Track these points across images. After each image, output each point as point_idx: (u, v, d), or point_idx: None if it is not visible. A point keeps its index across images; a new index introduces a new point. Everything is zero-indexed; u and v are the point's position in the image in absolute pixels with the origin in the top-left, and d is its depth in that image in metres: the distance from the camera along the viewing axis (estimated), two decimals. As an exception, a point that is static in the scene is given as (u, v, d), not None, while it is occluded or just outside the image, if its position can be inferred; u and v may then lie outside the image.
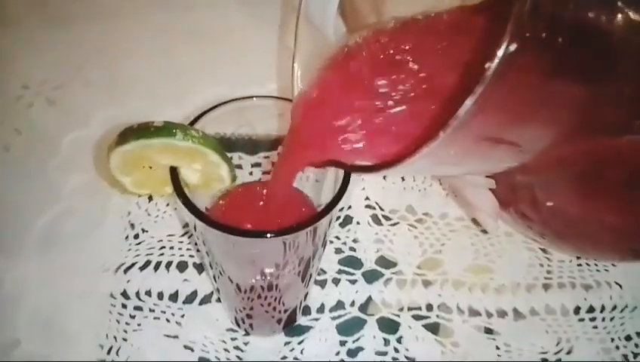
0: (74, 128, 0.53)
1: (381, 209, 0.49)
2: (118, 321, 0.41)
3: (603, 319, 0.44)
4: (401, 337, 0.42)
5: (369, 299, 0.44)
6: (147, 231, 0.46)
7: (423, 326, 0.43)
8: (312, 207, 0.38)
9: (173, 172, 0.29)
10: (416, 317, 0.43)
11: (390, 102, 0.28)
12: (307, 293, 0.42)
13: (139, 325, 0.41)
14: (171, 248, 0.46)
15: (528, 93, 0.21)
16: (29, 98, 0.55)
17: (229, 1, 0.67)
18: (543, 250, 0.48)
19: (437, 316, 0.44)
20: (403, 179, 0.52)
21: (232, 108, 0.33)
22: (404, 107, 0.28)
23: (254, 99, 0.33)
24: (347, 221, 0.48)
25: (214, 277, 0.40)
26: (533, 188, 0.34)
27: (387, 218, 0.49)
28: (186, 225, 0.47)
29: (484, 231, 0.47)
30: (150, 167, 0.29)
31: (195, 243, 0.46)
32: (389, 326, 0.43)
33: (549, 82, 0.22)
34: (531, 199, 0.35)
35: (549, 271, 0.46)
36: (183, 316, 0.42)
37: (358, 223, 0.48)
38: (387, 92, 0.28)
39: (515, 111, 0.22)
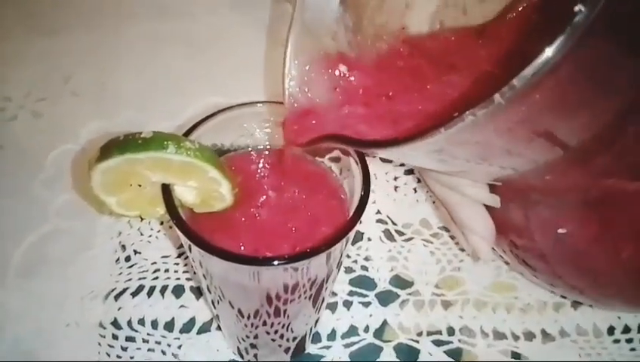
0: (60, 142, 0.49)
1: (394, 223, 0.46)
2: (108, 354, 0.37)
3: (641, 340, 0.40)
4: (420, 365, 0.38)
5: (384, 323, 0.40)
6: (140, 253, 0.42)
7: (445, 352, 0.39)
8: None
9: (166, 190, 0.25)
10: (437, 343, 0.39)
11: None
12: (318, 319, 0.38)
13: (131, 358, 0.37)
14: (166, 271, 0.42)
15: (587, 80, 0.18)
16: (11, 110, 0.51)
17: (219, 9, 0.63)
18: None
19: (459, 340, 0.40)
20: (415, 190, 0.48)
21: (230, 116, 0.29)
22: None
23: (258, 105, 0.29)
24: (357, 237, 0.45)
25: (213, 303, 0.36)
26: (548, 210, 0.29)
27: (400, 233, 0.45)
28: (181, 245, 0.43)
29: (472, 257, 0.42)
30: (139, 185, 0.25)
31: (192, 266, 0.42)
32: (407, 353, 0.39)
33: (613, 71, 0.18)
34: (542, 223, 0.30)
35: (578, 287, 0.43)
36: (180, 346, 0.38)
37: (369, 239, 0.44)
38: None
39: (566, 100, 0.19)
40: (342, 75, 0.25)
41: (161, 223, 0.44)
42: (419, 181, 0.49)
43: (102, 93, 0.53)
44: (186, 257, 0.43)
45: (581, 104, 0.19)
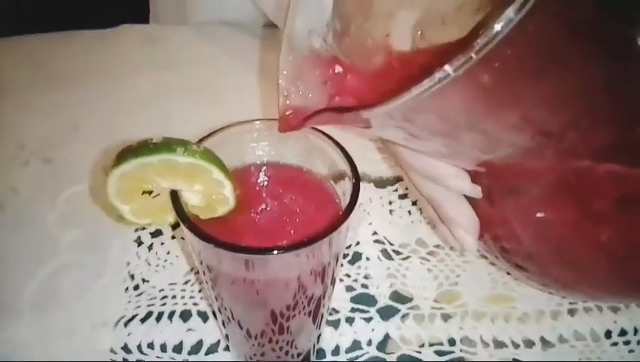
0: (70, 184, 0.51)
1: (390, 243, 0.48)
2: (119, 378, 0.38)
3: (638, 342, 0.41)
4: (424, 375, 0.39)
5: (387, 336, 0.41)
6: (148, 281, 0.44)
7: (448, 361, 0.40)
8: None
9: (174, 196, 0.28)
10: (439, 353, 0.40)
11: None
12: (320, 335, 0.40)
13: (141, 380, 0.38)
14: (174, 297, 0.43)
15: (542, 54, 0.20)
16: (25, 157, 0.54)
17: (222, 59, 0.68)
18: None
19: (461, 350, 0.41)
20: (410, 213, 0.50)
21: (229, 133, 0.32)
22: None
23: (256, 123, 0.32)
24: (356, 257, 0.46)
25: (223, 323, 0.38)
26: (527, 196, 0.30)
27: (398, 252, 0.47)
28: (188, 273, 0.45)
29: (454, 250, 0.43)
30: (150, 193, 0.28)
31: (200, 291, 0.44)
32: (410, 364, 0.40)
33: (568, 46, 0.21)
34: (522, 209, 0.31)
35: (573, 296, 0.44)
36: (188, 368, 0.39)
37: (367, 259, 0.46)
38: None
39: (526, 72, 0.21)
40: (333, 71, 0.27)
41: (168, 253, 0.46)
42: (413, 204, 0.51)
43: (109, 139, 0.56)
44: (193, 284, 0.44)
45: (536, 77, 0.22)
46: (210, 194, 0.28)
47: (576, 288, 0.33)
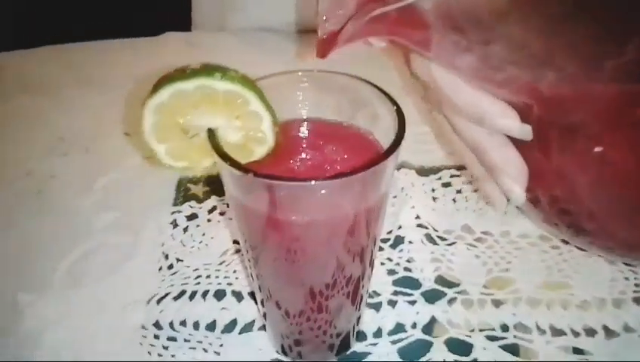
0: (107, 172, 0.51)
1: (435, 229, 0.45)
2: (149, 353, 0.37)
3: None
4: (475, 359, 0.36)
5: (432, 319, 0.38)
6: (182, 261, 0.43)
7: (501, 347, 0.37)
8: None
9: (212, 133, 0.27)
10: (491, 338, 0.37)
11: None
12: (360, 317, 0.37)
13: (172, 356, 0.36)
14: (208, 276, 0.42)
15: None
16: (64, 147, 0.55)
17: (260, 63, 0.68)
18: (626, 264, 0.42)
19: (514, 336, 0.37)
20: (454, 200, 0.48)
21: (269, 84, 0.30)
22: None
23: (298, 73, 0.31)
24: (398, 241, 0.44)
25: (262, 302, 0.36)
26: (584, 134, 0.26)
27: (442, 238, 0.44)
28: (223, 254, 0.43)
29: (503, 207, 0.37)
30: (186, 132, 0.26)
31: (234, 271, 0.42)
32: (459, 348, 0.37)
33: None
34: (579, 151, 0.27)
35: (638, 283, 0.40)
36: (221, 345, 0.37)
37: (410, 242, 0.44)
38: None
39: None
40: None
41: (203, 234, 0.45)
42: (458, 192, 0.48)
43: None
44: (228, 264, 0.42)
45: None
46: (249, 130, 0.26)
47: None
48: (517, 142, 0.29)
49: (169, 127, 0.26)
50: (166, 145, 0.27)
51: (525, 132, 0.27)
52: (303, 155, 0.30)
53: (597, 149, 0.25)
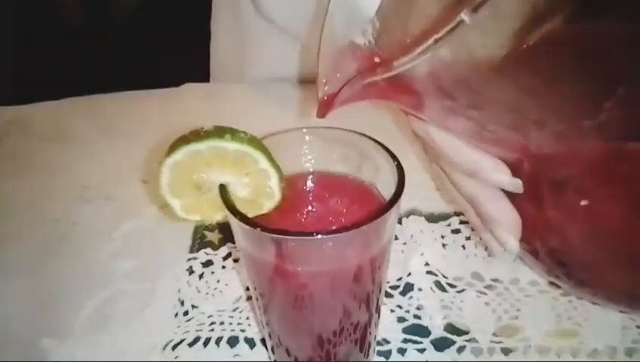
0: (127, 220, 0.53)
1: (444, 276, 0.46)
2: (164, 399, 0.37)
3: None
4: (485, 409, 0.36)
5: (442, 367, 0.39)
6: (197, 307, 0.44)
7: (511, 395, 0.37)
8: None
9: (223, 189, 0.28)
10: (501, 387, 0.37)
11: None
12: (370, 364, 0.38)
13: (186, 403, 0.37)
14: (221, 323, 0.43)
15: None
16: (88, 196, 0.57)
17: (274, 112, 0.70)
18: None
19: (525, 385, 0.37)
20: (464, 247, 0.49)
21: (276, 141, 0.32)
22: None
23: (303, 130, 0.33)
24: (408, 288, 0.45)
25: (272, 349, 0.37)
26: (572, 188, 0.28)
27: (452, 285, 0.45)
28: (237, 300, 0.44)
29: (501, 255, 0.38)
30: (200, 188, 0.28)
31: (247, 318, 0.43)
32: (470, 395, 0.37)
33: None
34: (567, 203, 0.28)
35: (650, 332, 0.40)
36: (234, 392, 0.38)
37: (420, 290, 0.44)
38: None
39: None
40: (372, 62, 0.28)
41: (218, 281, 0.46)
42: (467, 239, 0.49)
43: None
44: (241, 311, 0.44)
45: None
46: (257, 186, 0.28)
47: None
48: (511, 195, 0.30)
49: (184, 184, 0.28)
50: (181, 201, 0.29)
51: (516, 185, 0.29)
52: (309, 208, 0.32)
53: (583, 203, 0.27)
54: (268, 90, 0.75)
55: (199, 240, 0.50)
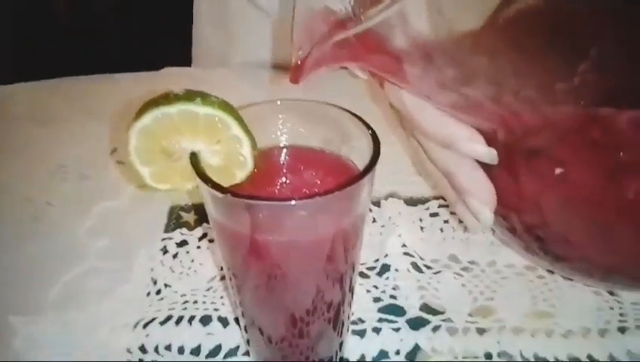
0: (103, 200, 0.52)
1: (421, 258, 0.45)
2: (133, 376, 0.37)
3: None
4: (458, 387, 0.36)
5: (416, 346, 0.39)
6: (170, 287, 0.43)
7: (483, 375, 0.37)
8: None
9: (194, 157, 0.28)
10: (475, 366, 0.37)
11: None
12: (342, 342, 0.37)
13: (156, 380, 0.37)
14: (195, 302, 0.42)
15: None
16: (63, 175, 0.56)
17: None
18: (611, 293, 0.42)
19: (498, 365, 0.37)
20: (442, 230, 0.48)
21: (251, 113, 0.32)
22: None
23: (277, 102, 0.32)
24: (384, 269, 0.44)
25: (245, 328, 0.37)
26: (547, 156, 0.27)
27: (429, 267, 0.45)
28: (211, 280, 0.44)
29: (476, 229, 0.37)
30: (170, 156, 0.28)
31: (221, 298, 0.42)
32: (443, 374, 0.37)
33: None
34: (541, 172, 0.28)
35: (623, 313, 0.40)
36: (205, 370, 0.37)
37: (396, 270, 0.44)
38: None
39: None
40: (342, 23, 0.27)
41: (192, 261, 0.45)
42: (445, 222, 0.49)
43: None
44: (215, 291, 0.43)
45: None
46: (229, 154, 0.28)
47: (618, 271, 0.30)
48: (485, 167, 0.30)
49: (153, 151, 0.27)
50: (150, 168, 0.28)
51: (491, 155, 0.28)
52: (283, 180, 0.31)
53: (558, 171, 0.26)
54: (250, 75, 0.74)
55: (175, 221, 0.49)
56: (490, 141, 0.28)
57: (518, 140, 0.27)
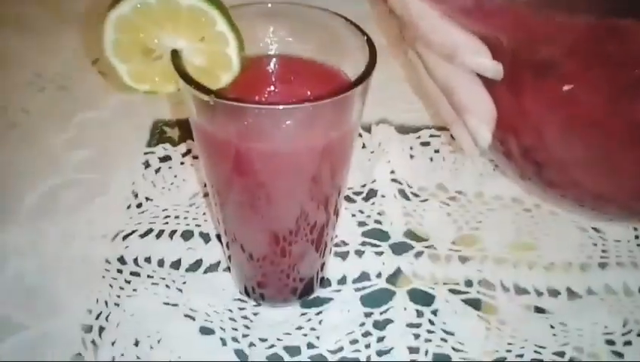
0: (84, 110, 0.50)
1: (409, 186, 0.45)
2: (111, 286, 0.36)
3: (678, 299, 0.37)
4: (436, 310, 0.36)
5: (398, 270, 0.38)
6: (151, 200, 0.42)
7: (463, 300, 0.37)
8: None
9: (175, 55, 0.26)
10: (454, 292, 0.37)
11: None
12: (324, 263, 0.37)
13: (134, 291, 0.36)
14: (176, 217, 0.41)
15: None
16: (40, 84, 0.54)
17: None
18: (596, 229, 0.42)
19: (478, 292, 0.38)
20: (432, 160, 0.47)
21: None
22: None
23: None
24: (371, 194, 0.44)
25: (227, 245, 0.36)
26: (556, 73, 0.25)
27: (416, 195, 0.44)
28: (194, 196, 0.43)
29: (473, 151, 0.35)
30: (150, 54, 0.26)
31: (204, 214, 0.42)
32: (422, 298, 0.37)
33: None
34: (548, 90, 0.26)
35: (605, 250, 0.40)
36: (184, 283, 0.37)
37: (383, 196, 0.43)
38: None
39: None
40: None
41: (175, 176, 0.44)
42: (436, 151, 0.48)
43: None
44: (198, 207, 0.42)
45: None
46: (214, 54, 0.26)
47: (610, 199, 0.30)
48: (487, 83, 0.28)
49: (131, 46, 0.25)
50: (128, 66, 0.26)
51: (497, 70, 0.27)
52: (271, 88, 0.30)
53: (566, 88, 0.25)
54: None
55: (158, 136, 0.48)
56: (496, 53, 0.26)
57: (527, 51, 0.25)
